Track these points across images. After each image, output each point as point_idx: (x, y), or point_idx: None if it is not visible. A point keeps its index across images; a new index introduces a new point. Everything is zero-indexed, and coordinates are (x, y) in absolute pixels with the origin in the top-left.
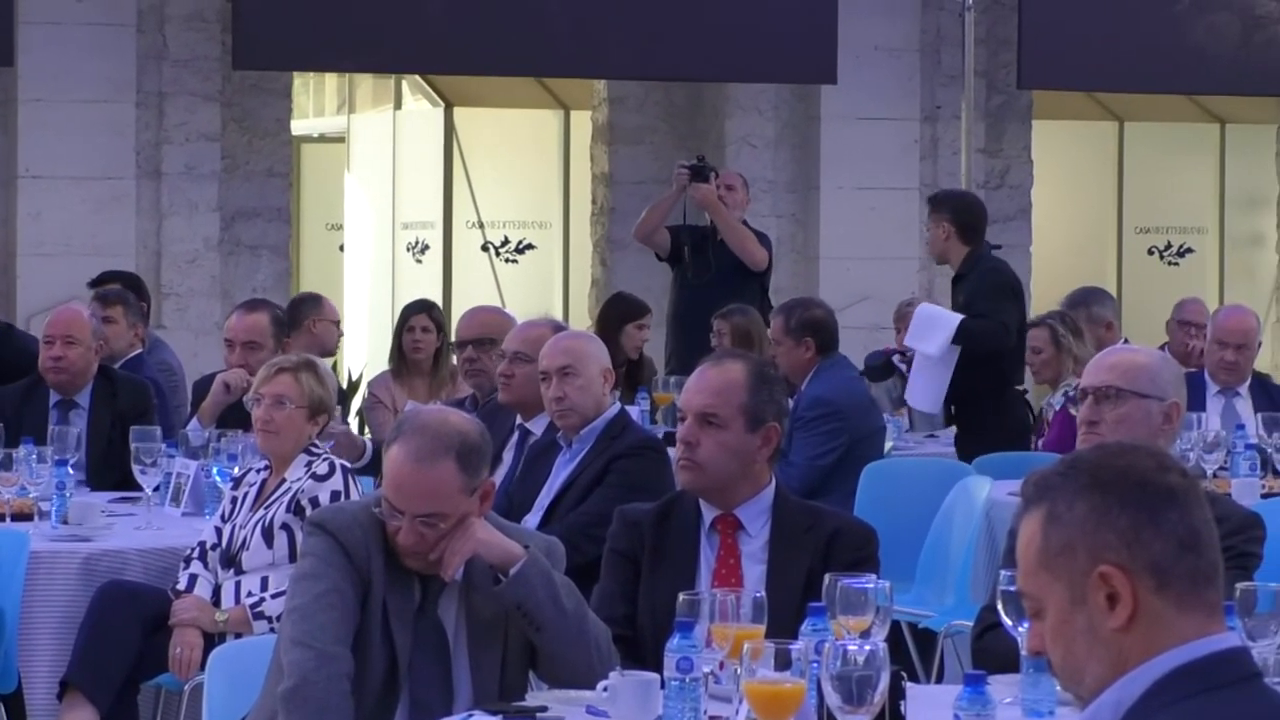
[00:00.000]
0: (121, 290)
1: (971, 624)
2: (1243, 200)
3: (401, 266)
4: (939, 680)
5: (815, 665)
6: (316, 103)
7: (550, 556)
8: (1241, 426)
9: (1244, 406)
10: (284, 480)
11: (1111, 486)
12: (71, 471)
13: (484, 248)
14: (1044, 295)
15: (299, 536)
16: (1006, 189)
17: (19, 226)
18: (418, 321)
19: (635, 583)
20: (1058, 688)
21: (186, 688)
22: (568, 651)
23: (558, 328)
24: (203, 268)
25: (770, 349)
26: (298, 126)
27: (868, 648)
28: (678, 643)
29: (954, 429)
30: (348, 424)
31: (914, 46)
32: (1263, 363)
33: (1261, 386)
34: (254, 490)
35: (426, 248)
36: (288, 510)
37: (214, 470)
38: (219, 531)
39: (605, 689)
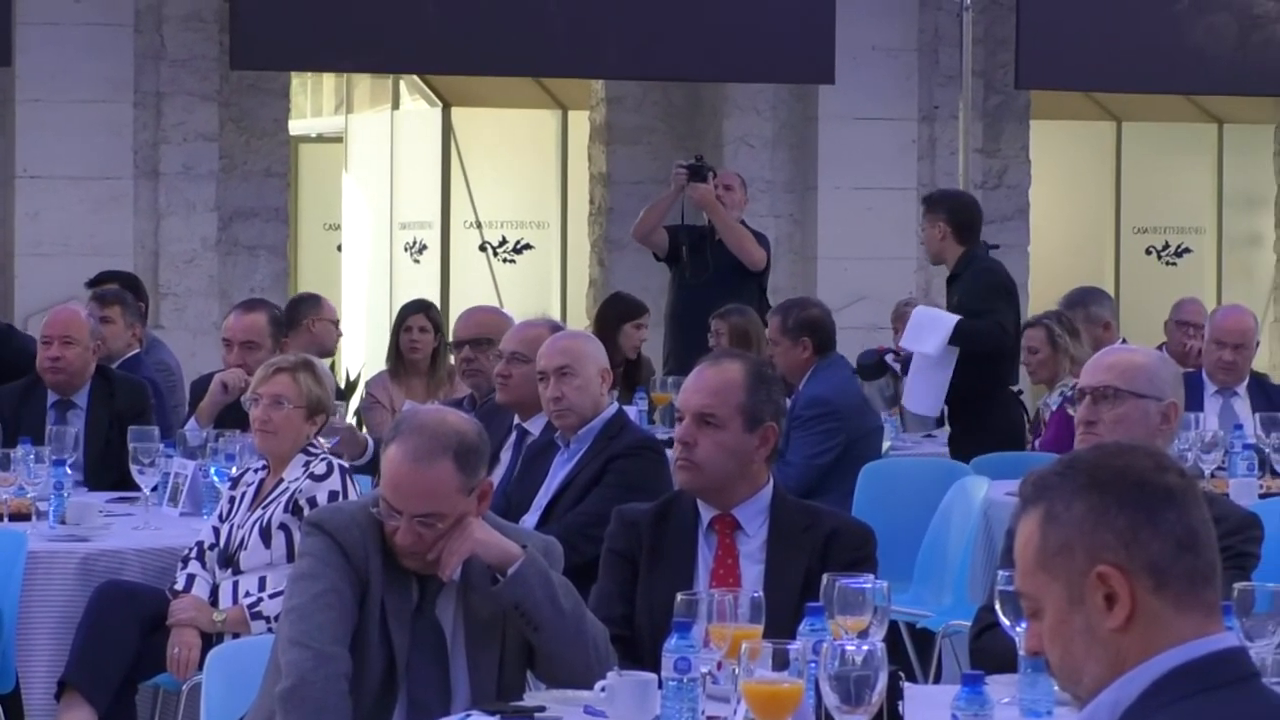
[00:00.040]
0: (119, 290)
1: (969, 624)
2: (1240, 200)
3: (399, 266)
4: (937, 680)
5: (813, 665)
6: (314, 103)
7: (548, 556)
8: (1239, 426)
9: (1242, 406)
10: (281, 480)
11: (1109, 486)
12: (69, 471)
13: (482, 248)
14: (1042, 295)
15: (297, 536)
16: (1004, 189)
17: (17, 226)
18: (415, 321)
19: (633, 583)
20: (1055, 688)
21: (184, 688)
22: (565, 651)
23: (555, 328)
24: (200, 268)
25: (768, 349)
26: (295, 126)
27: (865, 648)
28: (675, 643)
29: (948, 429)
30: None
31: (911, 46)
32: (1260, 363)
33: (1259, 386)
34: (252, 490)
35: (424, 248)
36: (285, 510)
37: (212, 470)
38: (217, 531)
39: (603, 689)
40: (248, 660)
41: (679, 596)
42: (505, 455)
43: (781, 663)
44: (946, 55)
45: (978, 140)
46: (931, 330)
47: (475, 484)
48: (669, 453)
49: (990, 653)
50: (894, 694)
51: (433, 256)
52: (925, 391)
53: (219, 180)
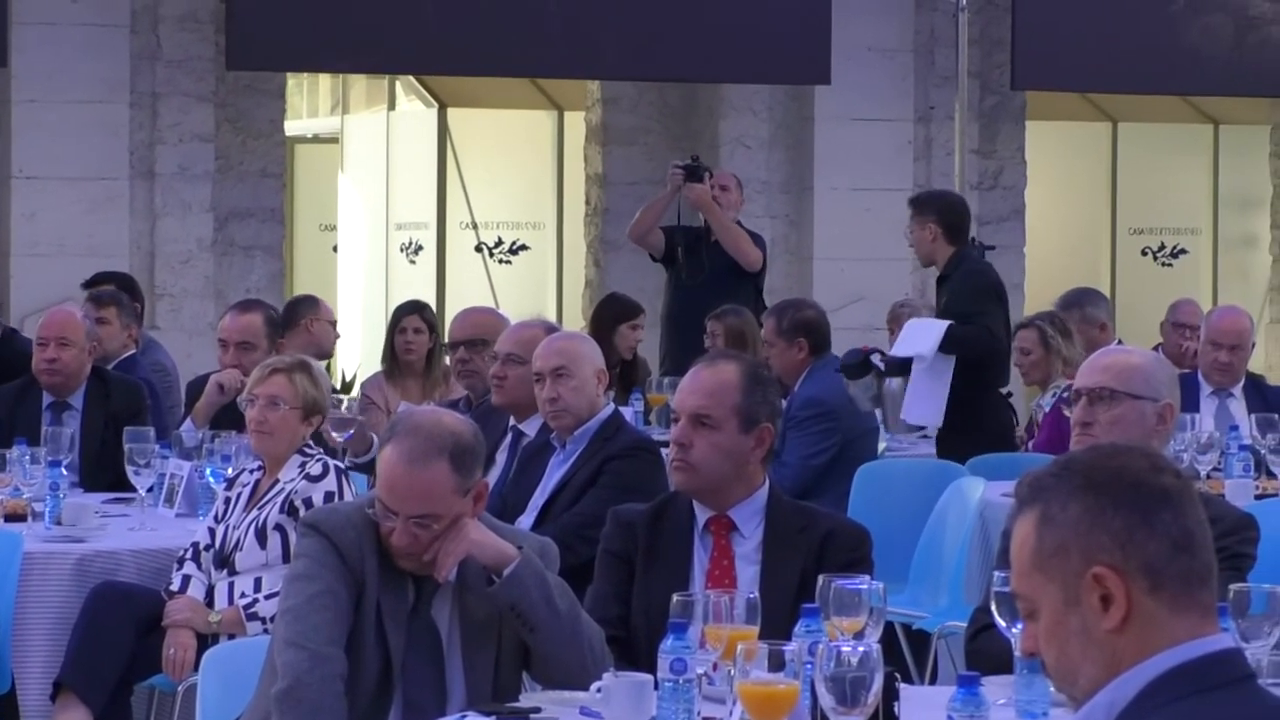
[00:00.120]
0: (115, 291)
1: (965, 625)
2: (1236, 201)
3: (395, 267)
4: (932, 681)
5: (809, 666)
6: (310, 103)
7: (544, 557)
8: (1235, 427)
9: (1238, 407)
10: (277, 481)
11: (1105, 488)
12: (65, 472)
13: (478, 248)
14: (1037, 296)
15: (292, 537)
16: (1000, 190)
17: (13, 227)
18: (410, 323)
19: (629, 584)
20: (1051, 689)
21: (180, 689)
22: (561, 652)
23: (550, 329)
24: (196, 268)
25: (763, 350)
26: (291, 127)
27: (861, 649)
28: (671, 644)
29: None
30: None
31: (908, 47)
32: (1256, 364)
33: (1255, 387)
34: (247, 491)
35: (420, 248)
36: (281, 511)
37: (207, 471)
38: (212, 532)
39: (599, 690)
40: (243, 661)
41: (675, 597)
42: (501, 456)
43: (777, 664)
44: (942, 56)
45: (974, 141)
46: (923, 336)
47: (471, 485)
48: (665, 454)
49: (986, 654)
50: (889, 695)
51: (428, 257)
52: (924, 402)
53: (215, 181)
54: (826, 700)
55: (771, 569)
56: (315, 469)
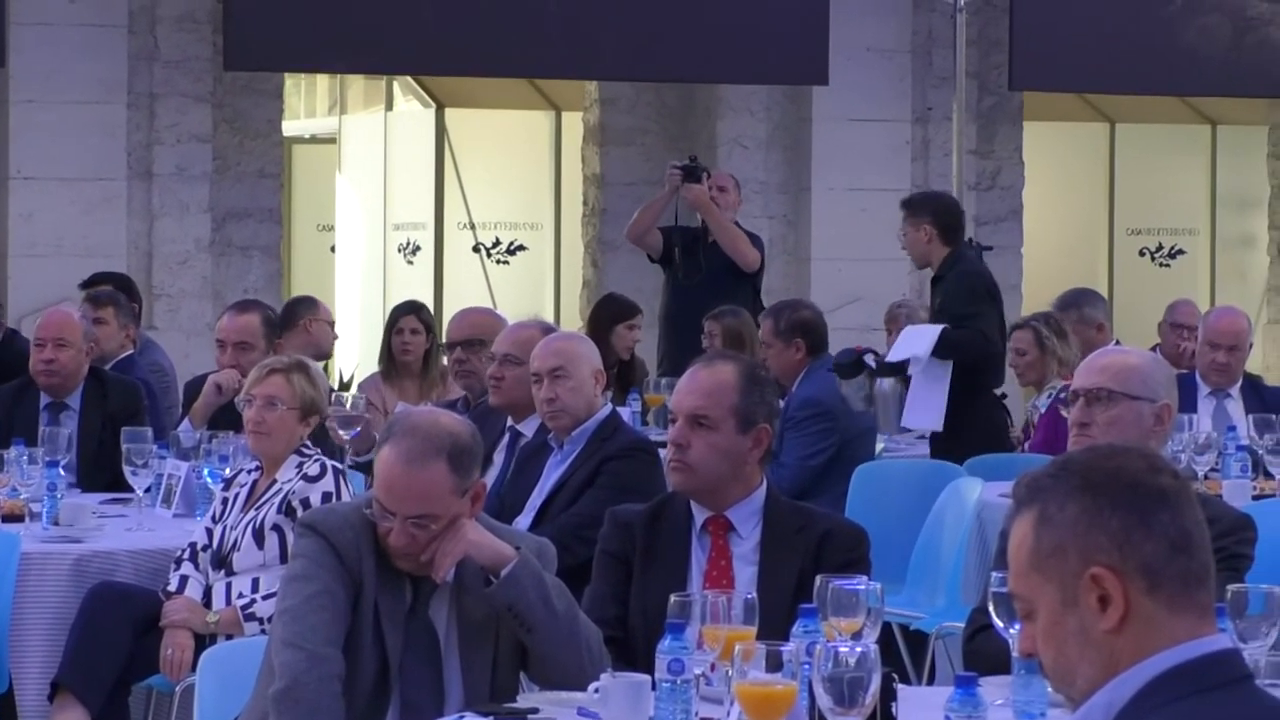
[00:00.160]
0: (113, 291)
1: (963, 626)
2: (1234, 202)
3: (393, 268)
4: (930, 682)
5: (806, 667)
6: (308, 104)
7: (541, 558)
8: (1233, 428)
9: (1235, 408)
10: (275, 481)
11: (1103, 488)
12: (62, 473)
13: (475, 249)
14: (1035, 296)
15: (290, 538)
16: (998, 190)
17: (10, 228)
18: (406, 323)
19: (626, 584)
20: (1049, 689)
21: (177, 689)
22: (559, 653)
23: (547, 329)
24: (194, 269)
25: (761, 352)
26: (289, 127)
27: (859, 649)
28: (669, 644)
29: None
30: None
31: (905, 48)
32: (1254, 364)
33: (1253, 388)
34: (245, 491)
35: (418, 249)
36: (279, 511)
37: (205, 471)
38: (210, 533)
39: (596, 690)
40: (241, 662)
41: (672, 598)
42: (498, 457)
43: (775, 664)
44: (940, 57)
45: (971, 142)
46: (917, 341)
47: (469, 485)
48: (662, 454)
49: (984, 654)
50: (887, 696)
51: (426, 258)
52: (924, 407)
53: (212, 181)
54: (824, 701)
55: (769, 569)
56: (313, 469)
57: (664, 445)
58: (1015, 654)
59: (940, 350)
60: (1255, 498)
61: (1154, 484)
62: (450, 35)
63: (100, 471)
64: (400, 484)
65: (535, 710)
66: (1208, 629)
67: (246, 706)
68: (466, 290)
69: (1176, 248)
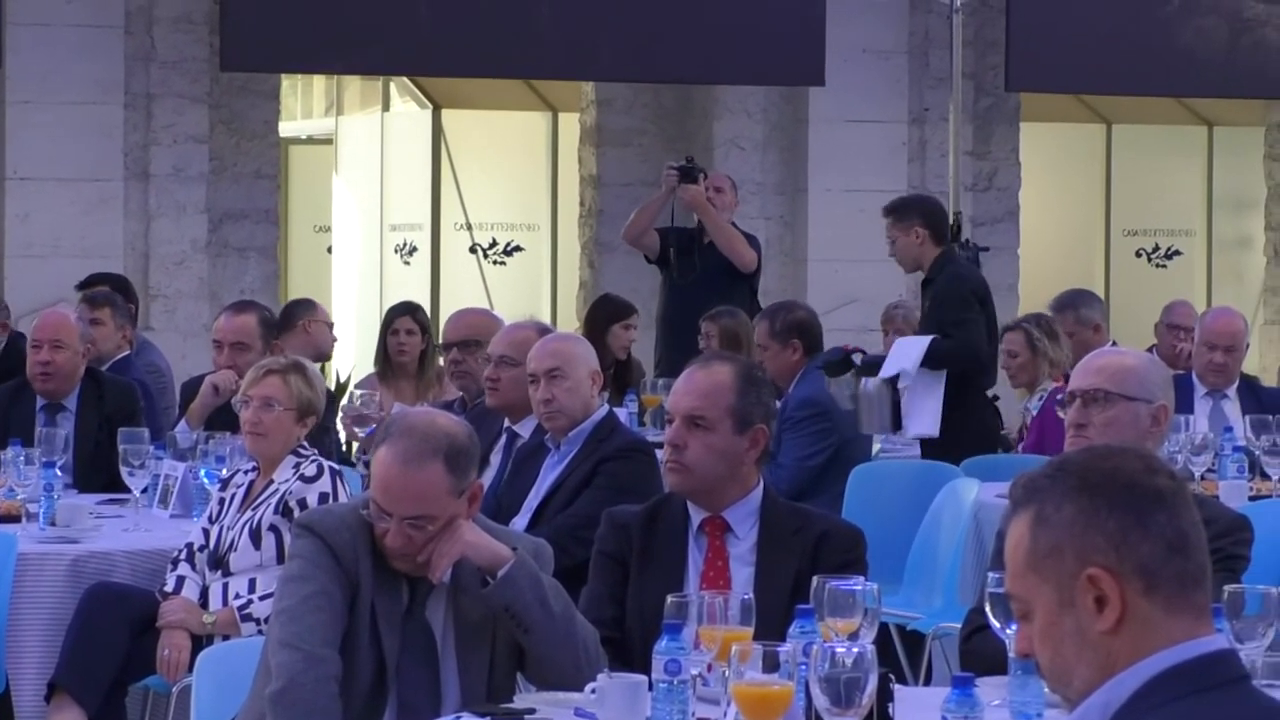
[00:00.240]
0: (109, 292)
1: (959, 626)
2: (1230, 203)
3: (389, 268)
4: (927, 682)
5: (803, 667)
6: (304, 105)
7: (538, 558)
8: (1229, 429)
9: (1232, 409)
10: (271, 482)
11: (1100, 489)
12: (59, 473)
13: (472, 250)
14: (1031, 298)
15: (287, 538)
16: (994, 191)
17: (7, 228)
18: (402, 324)
19: (623, 585)
20: (1045, 690)
21: (174, 689)
22: (555, 653)
23: (543, 330)
24: (190, 270)
25: (757, 353)
26: (285, 128)
27: (856, 650)
28: (666, 645)
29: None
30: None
31: (902, 49)
32: (1250, 365)
33: (1249, 389)
34: (241, 492)
35: (414, 250)
36: (275, 512)
37: (202, 472)
38: (206, 533)
39: (593, 691)
40: (238, 662)
41: (669, 599)
42: (495, 458)
43: (772, 665)
44: (937, 57)
45: (968, 142)
46: (907, 354)
47: (465, 486)
48: (659, 455)
49: (980, 655)
50: (884, 696)
51: (423, 258)
52: (921, 414)
53: (209, 182)
54: (821, 701)
55: (766, 570)
56: (310, 470)
57: (661, 446)
58: (1012, 654)
59: (928, 363)
60: (1252, 498)
61: (1151, 485)
62: (447, 36)
63: (97, 472)
64: (397, 485)
65: (532, 711)
66: (1204, 630)
67: (243, 707)
68: (463, 291)
69: (1173, 249)
